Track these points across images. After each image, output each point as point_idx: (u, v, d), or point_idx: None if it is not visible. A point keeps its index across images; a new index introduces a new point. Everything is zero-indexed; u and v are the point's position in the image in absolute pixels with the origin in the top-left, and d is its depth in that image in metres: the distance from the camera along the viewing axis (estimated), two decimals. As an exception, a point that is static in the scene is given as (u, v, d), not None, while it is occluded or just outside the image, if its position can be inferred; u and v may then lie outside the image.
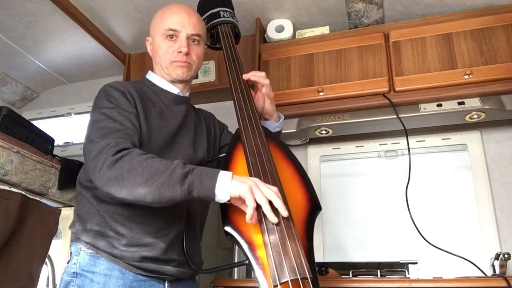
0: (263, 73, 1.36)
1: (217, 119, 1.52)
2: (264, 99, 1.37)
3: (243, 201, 0.97)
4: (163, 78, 1.32)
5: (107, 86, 1.22)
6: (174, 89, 1.32)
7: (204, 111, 1.50)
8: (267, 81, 1.34)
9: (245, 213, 0.97)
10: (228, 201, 0.99)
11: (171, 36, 1.28)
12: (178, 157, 1.22)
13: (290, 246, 0.92)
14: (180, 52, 1.27)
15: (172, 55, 1.28)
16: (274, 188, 0.98)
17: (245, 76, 1.34)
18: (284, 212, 0.96)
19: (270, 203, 0.96)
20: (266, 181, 1.04)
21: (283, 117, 1.44)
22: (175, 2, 1.35)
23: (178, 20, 1.28)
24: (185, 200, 1.01)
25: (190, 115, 1.37)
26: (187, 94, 1.37)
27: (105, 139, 1.07)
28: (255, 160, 1.09)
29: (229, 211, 1.04)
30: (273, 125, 1.41)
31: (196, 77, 2.23)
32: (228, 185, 0.97)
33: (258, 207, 0.96)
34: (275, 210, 0.96)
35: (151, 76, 1.35)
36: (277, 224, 0.95)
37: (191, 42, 1.29)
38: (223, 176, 0.98)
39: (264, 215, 0.96)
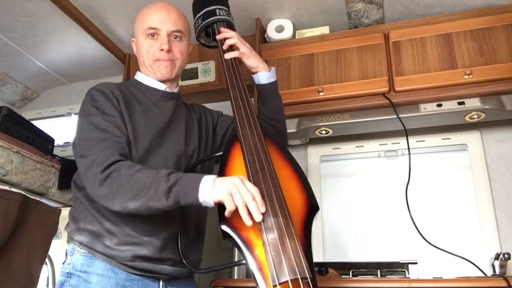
0: (231, 33, 1.36)
1: (209, 110, 1.50)
2: (242, 57, 1.35)
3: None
4: (149, 76, 1.33)
5: (92, 89, 1.24)
6: (161, 86, 1.33)
7: (196, 105, 1.49)
8: (234, 41, 1.34)
9: None
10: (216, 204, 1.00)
11: (152, 35, 1.29)
12: (168, 152, 1.24)
13: (289, 245, 0.92)
14: (162, 49, 1.27)
15: (155, 53, 1.29)
16: (254, 190, 0.98)
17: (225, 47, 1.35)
18: (257, 217, 0.95)
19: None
20: (264, 180, 1.03)
21: (273, 68, 1.42)
22: (157, 1, 1.36)
23: (157, 18, 1.29)
24: (175, 208, 1.05)
25: (180, 110, 1.36)
26: (175, 90, 1.37)
27: (92, 153, 1.10)
28: (252, 159, 1.08)
29: (225, 210, 1.03)
30: (265, 75, 1.37)
31: (196, 77, 2.23)
32: (210, 192, 0.99)
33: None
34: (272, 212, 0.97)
35: (138, 76, 1.36)
36: (276, 223, 0.95)
37: (172, 39, 1.30)
38: (205, 184, 1.00)
39: (268, 236, 0.95)
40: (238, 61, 1.35)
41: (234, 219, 1.00)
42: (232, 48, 1.37)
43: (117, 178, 1.04)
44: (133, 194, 1.02)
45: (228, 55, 1.34)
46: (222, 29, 1.39)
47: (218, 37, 1.37)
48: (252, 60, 1.36)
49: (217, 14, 1.41)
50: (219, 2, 1.45)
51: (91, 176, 1.07)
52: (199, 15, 1.43)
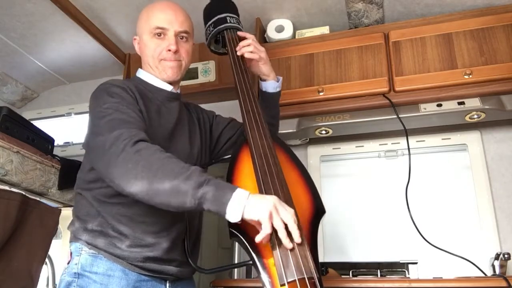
0: (249, 40, 1.38)
1: (204, 110, 1.50)
2: (257, 63, 1.39)
3: (258, 222, 0.92)
4: (154, 76, 1.31)
5: (106, 84, 1.19)
6: (167, 86, 1.31)
7: (192, 104, 1.48)
8: (250, 48, 1.36)
9: None
10: (240, 221, 0.92)
11: (159, 34, 1.27)
12: (176, 154, 1.22)
13: (297, 246, 0.93)
14: (169, 50, 1.26)
15: (161, 53, 1.27)
16: (291, 211, 0.94)
17: (239, 53, 1.37)
18: (297, 239, 0.92)
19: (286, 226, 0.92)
20: (273, 183, 1.03)
21: (281, 78, 1.46)
22: (167, 0, 1.34)
23: (164, 18, 1.27)
24: (193, 210, 0.96)
25: (183, 111, 1.36)
26: (178, 91, 1.36)
27: (117, 130, 1.02)
28: (261, 162, 1.09)
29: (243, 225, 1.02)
30: (274, 85, 1.42)
31: (196, 77, 2.23)
32: (242, 206, 0.91)
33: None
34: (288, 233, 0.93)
35: (142, 74, 1.33)
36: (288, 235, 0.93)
37: (179, 39, 1.29)
38: (238, 195, 0.92)
39: (277, 237, 0.92)
40: (247, 65, 1.38)
41: (242, 222, 0.99)
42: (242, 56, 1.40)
43: (147, 156, 0.97)
44: (158, 178, 0.94)
45: (249, 55, 1.36)
46: (240, 33, 1.42)
47: (242, 43, 1.38)
48: (266, 66, 1.40)
49: (228, 21, 1.44)
50: (230, 10, 1.48)
51: (117, 150, 0.98)
52: (210, 22, 1.45)
